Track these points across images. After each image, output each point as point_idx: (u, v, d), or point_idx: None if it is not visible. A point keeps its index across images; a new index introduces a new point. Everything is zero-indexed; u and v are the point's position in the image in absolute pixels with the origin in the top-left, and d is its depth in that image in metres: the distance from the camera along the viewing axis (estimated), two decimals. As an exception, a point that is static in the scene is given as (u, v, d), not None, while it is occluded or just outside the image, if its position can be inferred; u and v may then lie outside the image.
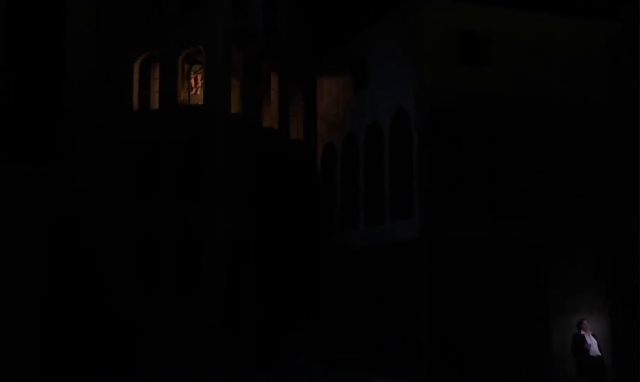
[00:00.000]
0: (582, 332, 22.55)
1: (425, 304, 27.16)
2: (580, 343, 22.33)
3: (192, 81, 34.36)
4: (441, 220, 27.55)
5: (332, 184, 33.56)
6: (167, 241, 32.07)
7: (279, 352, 33.38)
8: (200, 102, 33.42)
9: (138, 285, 32.21)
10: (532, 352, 27.73)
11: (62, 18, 32.77)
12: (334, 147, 33.62)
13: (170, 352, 30.96)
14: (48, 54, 32.31)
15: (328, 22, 37.75)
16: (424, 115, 27.94)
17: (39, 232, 30.52)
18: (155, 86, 33.95)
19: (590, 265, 28.68)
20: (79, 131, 32.72)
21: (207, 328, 30.84)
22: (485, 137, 28.57)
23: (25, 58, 31.88)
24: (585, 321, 22.80)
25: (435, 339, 27.06)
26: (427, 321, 27.06)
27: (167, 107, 33.03)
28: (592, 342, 22.44)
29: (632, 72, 29.07)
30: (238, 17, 33.48)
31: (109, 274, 32.26)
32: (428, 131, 27.97)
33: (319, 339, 33.09)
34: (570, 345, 23.26)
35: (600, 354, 22.20)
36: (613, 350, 27.73)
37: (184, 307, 31.39)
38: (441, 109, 28.30)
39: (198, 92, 34.19)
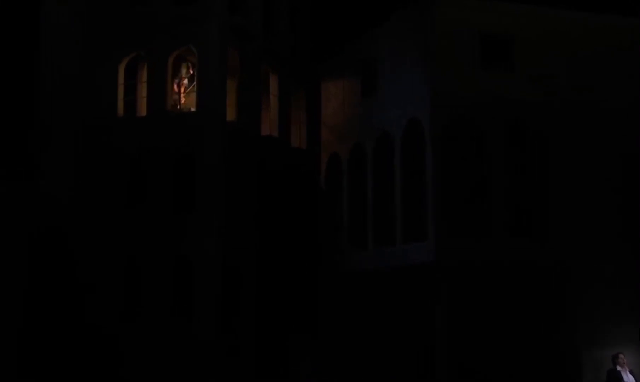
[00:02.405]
0: (619, 368, 22.50)
1: (442, 334, 27.07)
2: (616, 380, 22.20)
3: (176, 87, 34.22)
4: (459, 242, 27.41)
5: (338, 199, 33.39)
6: (154, 262, 31.87)
7: (282, 379, 33.19)
8: (193, 108, 33.18)
9: (121, 309, 32.08)
10: (560, 388, 27.59)
11: (36, 16, 32.58)
12: (339, 158, 33.50)
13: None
14: (20, 55, 32.12)
15: (334, 19, 37.59)
16: (440, 125, 27.82)
17: (13, 252, 30.53)
18: (142, 90, 33.68)
19: (626, 292, 28.28)
20: (56, 142, 32.53)
21: (199, 356, 30.64)
22: (508, 150, 28.42)
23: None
24: (621, 355, 22.71)
25: (453, 372, 26.90)
26: (444, 352, 26.98)
27: (156, 114, 32.82)
28: (629, 379, 22.35)
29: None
30: (234, 14, 33.27)
31: (90, 297, 32.11)
32: (444, 143, 27.83)
33: (325, 365, 32.86)
34: (604, 382, 23.08)
35: (639, 393, 22.05)
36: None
37: (172, 334, 31.25)
38: (459, 118, 28.15)
39: (182, 102, 34.12)
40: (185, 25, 32.57)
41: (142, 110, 33.62)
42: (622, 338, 27.34)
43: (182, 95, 34.36)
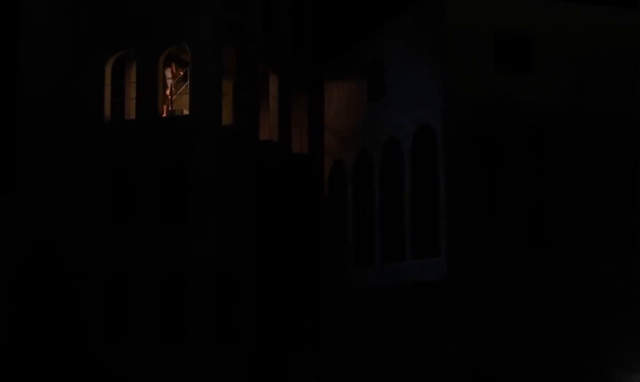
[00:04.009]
0: (650, 399, 22.11)
1: (454, 357, 26.81)
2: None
3: (167, 91, 33.99)
4: (473, 258, 27.19)
5: (342, 210, 33.24)
6: (143, 277, 31.74)
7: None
8: (185, 111, 32.86)
9: (109, 329, 32.01)
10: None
11: (15, 14, 32.46)
12: (343, 165, 33.37)
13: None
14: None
15: (337, 17, 37.43)
16: (453, 132, 27.63)
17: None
18: (131, 92, 33.53)
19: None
20: (39, 148, 32.46)
21: (193, 376, 30.44)
22: (526, 158, 28.20)
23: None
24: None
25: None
26: (457, 375, 26.73)
27: (145, 118, 32.59)
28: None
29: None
30: (231, 10, 32.97)
31: (75, 316, 32.12)
32: (457, 150, 27.63)
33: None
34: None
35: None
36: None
37: (164, 352, 31.08)
38: (473, 123, 27.96)
39: (172, 106, 33.94)
40: (177, 21, 32.31)
41: (131, 112, 33.47)
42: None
43: (172, 97, 34.14)
